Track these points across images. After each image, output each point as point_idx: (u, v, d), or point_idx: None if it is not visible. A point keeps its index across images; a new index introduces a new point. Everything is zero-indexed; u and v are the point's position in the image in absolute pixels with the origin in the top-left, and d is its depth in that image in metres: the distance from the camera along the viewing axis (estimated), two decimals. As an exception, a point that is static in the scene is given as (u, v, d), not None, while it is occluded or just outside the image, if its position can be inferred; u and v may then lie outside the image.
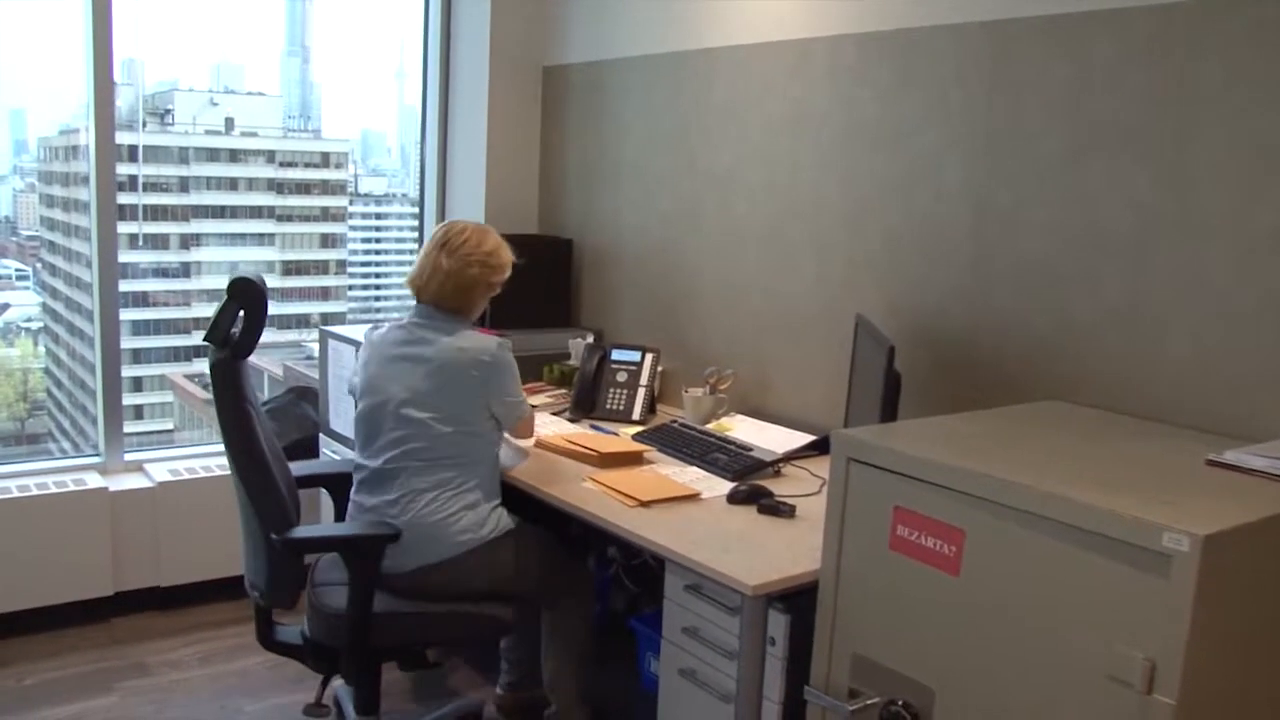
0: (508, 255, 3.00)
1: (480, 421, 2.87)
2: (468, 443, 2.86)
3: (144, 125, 4.66)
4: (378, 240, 5.73)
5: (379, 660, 2.94)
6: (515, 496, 2.99)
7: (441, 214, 4.75)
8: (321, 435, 4.11)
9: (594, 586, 3.19)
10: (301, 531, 2.75)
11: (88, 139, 3.93)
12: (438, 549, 2.80)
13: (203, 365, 5.12)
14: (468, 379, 2.83)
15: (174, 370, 5.12)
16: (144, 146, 4.62)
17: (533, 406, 3.22)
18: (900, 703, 2.04)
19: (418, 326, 2.92)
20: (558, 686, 3.04)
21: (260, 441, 2.71)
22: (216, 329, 2.67)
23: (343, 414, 3.86)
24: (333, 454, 3.96)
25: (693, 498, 2.80)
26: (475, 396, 2.84)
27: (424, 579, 2.81)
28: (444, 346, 2.85)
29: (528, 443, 3.22)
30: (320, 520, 3.85)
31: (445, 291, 2.91)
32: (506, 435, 3.04)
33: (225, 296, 2.67)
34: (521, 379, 2.98)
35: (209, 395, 5.08)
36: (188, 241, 4.95)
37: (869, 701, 2.09)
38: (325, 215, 5.46)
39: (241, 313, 2.68)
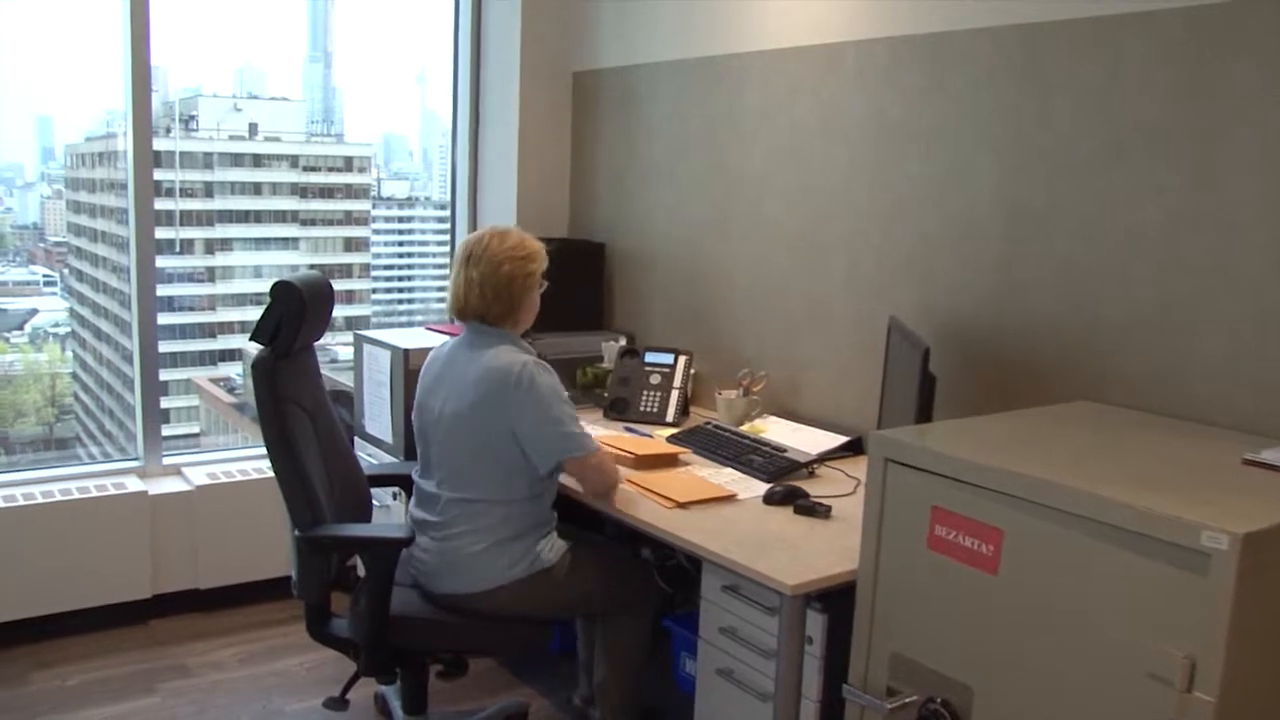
0: (534, 243, 2.88)
1: (514, 451, 2.75)
2: (501, 472, 2.77)
3: (167, 131, 4.69)
4: (400, 244, 5.75)
5: (423, 661, 2.98)
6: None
7: (473, 218, 4.78)
8: (356, 439, 4.15)
9: (654, 602, 3.11)
10: (320, 529, 2.78)
11: (126, 145, 3.98)
12: (465, 582, 2.79)
13: (228, 369, 5.18)
14: (494, 398, 2.73)
15: (200, 374, 5.16)
16: (168, 152, 4.66)
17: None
18: (939, 701, 2.06)
19: (465, 344, 2.88)
20: (605, 693, 3.04)
21: (293, 438, 2.74)
22: (260, 329, 2.77)
23: (377, 418, 3.91)
24: (368, 457, 4.00)
25: (729, 499, 2.83)
26: (500, 419, 2.73)
27: (453, 603, 2.83)
28: (479, 366, 2.78)
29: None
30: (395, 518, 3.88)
31: (486, 300, 2.80)
32: (571, 483, 2.88)
33: (270, 299, 2.78)
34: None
35: (234, 399, 5.15)
36: (213, 246, 4.99)
37: (907, 700, 2.12)
38: (349, 219, 5.48)
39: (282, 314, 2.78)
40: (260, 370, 2.74)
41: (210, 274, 5.04)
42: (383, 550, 2.75)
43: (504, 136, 4.57)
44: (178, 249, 4.74)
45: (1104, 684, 1.80)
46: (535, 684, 3.62)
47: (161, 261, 4.17)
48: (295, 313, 2.78)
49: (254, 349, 2.83)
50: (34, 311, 5.04)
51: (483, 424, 2.75)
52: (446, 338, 3.91)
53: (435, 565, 2.81)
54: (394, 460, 3.80)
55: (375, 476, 3.33)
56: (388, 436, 3.83)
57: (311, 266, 5.33)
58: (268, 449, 2.77)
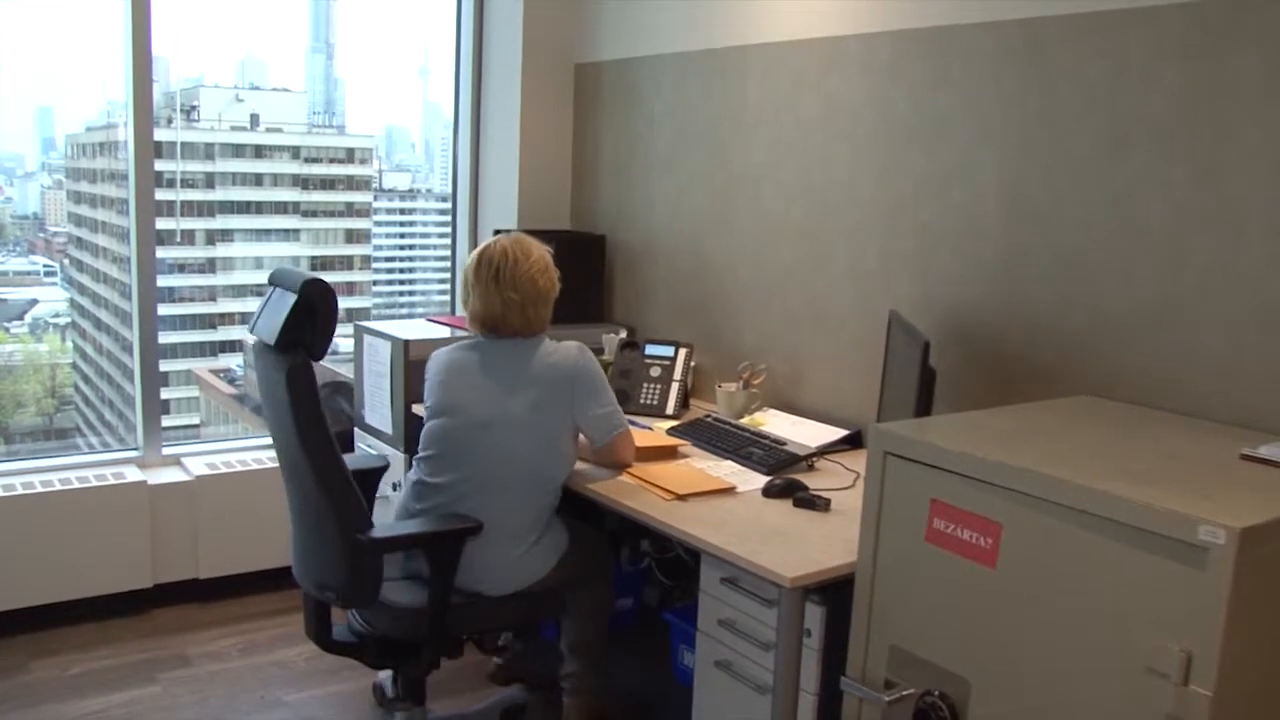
0: (543, 247, 3.00)
1: (566, 440, 2.88)
2: (548, 465, 2.86)
3: (168, 122, 4.69)
4: (402, 236, 5.75)
5: (420, 652, 2.99)
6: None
7: (475, 210, 4.79)
8: (356, 430, 4.16)
9: (611, 561, 3.24)
10: (383, 530, 2.75)
11: (127, 136, 3.99)
12: (504, 584, 2.85)
13: (228, 360, 5.18)
14: (559, 391, 2.83)
15: (200, 365, 5.16)
16: (169, 143, 4.66)
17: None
18: (936, 693, 2.07)
19: (500, 348, 2.91)
20: (577, 651, 3.12)
21: (336, 443, 2.68)
22: (286, 332, 2.59)
23: (378, 408, 3.91)
24: (368, 448, 4.01)
25: (728, 491, 2.83)
26: (564, 409, 2.84)
27: (488, 600, 2.87)
28: (536, 363, 2.85)
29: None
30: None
31: (529, 318, 2.90)
32: (596, 463, 2.99)
33: (297, 298, 2.59)
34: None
35: (234, 391, 5.15)
36: (214, 237, 4.99)
37: (905, 692, 2.12)
38: (350, 211, 5.48)
39: (312, 314, 2.61)
40: (306, 376, 2.61)
41: (211, 265, 5.05)
42: (454, 543, 2.76)
43: (506, 129, 4.57)
44: (178, 240, 4.74)
45: (1101, 677, 1.80)
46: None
47: (162, 252, 4.18)
48: (329, 312, 2.65)
49: (253, 341, 2.76)
50: (34, 302, 5.04)
51: (551, 417, 2.84)
52: (448, 329, 3.94)
53: (471, 566, 2.81)
54: (380, 454, 3.80)
55: None
56: (387, 427, 3.84)
57: (313, 258, 5.33)
58: (314, 458, 2.65)
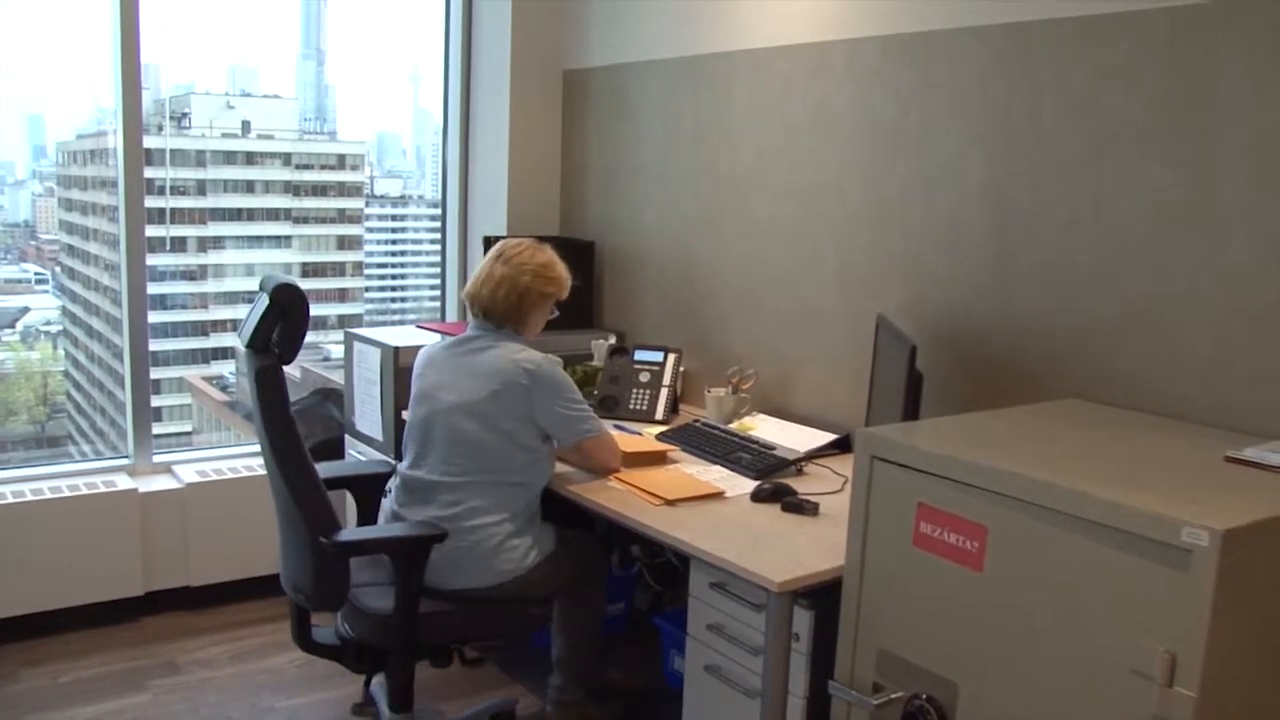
0: (564, 272, 3.07)
1: (529, 437, 2.90)
2: (518, 457, 2.88)
3: (159, 129, 4.69)
4: (393, 242, 5.75)
5: (417, 658, 2.99)
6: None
7: (464, 217, 4.80)
8: (346, 436, 4.16)
9: (608, 576, 3.26)
10: (349, 534, 2.76)
11: (116, 143, 3.99)
12: (480, 577, 2.85)
13: (221, 368, 5.18)
14: (516, 387, 2.85)
15: (192, 372, 5.16)
16: (160, 150, 4.65)
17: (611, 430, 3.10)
18: (924, 697, 2.07)
19: (471, 337, 2.99)
20: (566, 665, 3.15)
21: (305, 446, 2.71)
22: (258, 334, 2.64)
23: (368, 415, 3.91)
24: (358, 455, 4.01)
25: (717, 496, 2.83)
26: (522, 407, 2.86)
27: (463, 597, 2.87)
28: (497, 354, 2.91)
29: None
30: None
31: (498, 298, 2.96)
32: (580, 467, 3.04)
33: (267, 302, 2.63)
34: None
35: (227, 398, 5.15)
36: (205, 244, 4.98)
37: (893, 696, 2.12)
38: (342, 217, 5.47)
39: (283, 318, 2.66)
40: (274, 377, 2.64)
41: (203, 272, 5.04)
42: (419, 549, 2.76)
43: (495, 135, 4.58)
44: (169, 247, 4.74)
45: (1087, 679, 1.81)
46: (526, 681, 3.63)
47: (153, 259, 4.18)
48: (300, 315, 2.68)
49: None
50: (26, 309, 5.04)
51: (507, 408, 2.86)
52: (439, 335, 3.93)
53: (446, 562, 2.82)
54: (383, 458, 3.80)
55: (325, 480, 3.31)
56: (378, 434, 3.84)
57: (304, 265, 5.33)
58: (279, 460, 2.69)
